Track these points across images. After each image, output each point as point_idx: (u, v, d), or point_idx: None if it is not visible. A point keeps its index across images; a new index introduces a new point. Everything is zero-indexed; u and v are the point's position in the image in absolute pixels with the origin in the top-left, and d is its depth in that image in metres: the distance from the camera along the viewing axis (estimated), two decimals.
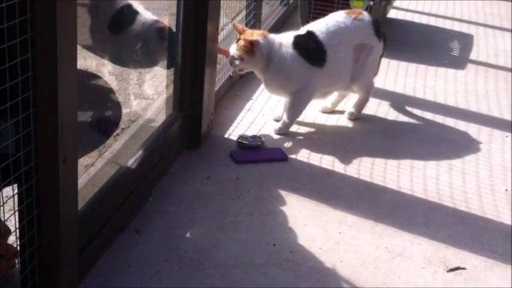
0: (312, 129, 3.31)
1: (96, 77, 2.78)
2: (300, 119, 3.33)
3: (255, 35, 3.17)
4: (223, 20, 3.51)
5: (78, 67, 1.83)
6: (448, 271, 2.39)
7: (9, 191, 1.77)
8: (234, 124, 3.29)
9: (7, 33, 1.57)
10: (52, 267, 1.86)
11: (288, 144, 3.15)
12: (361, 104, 3.46)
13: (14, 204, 1.74)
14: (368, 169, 3.00)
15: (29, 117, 1.69)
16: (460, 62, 4.39)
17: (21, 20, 1.59)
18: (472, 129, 3.46)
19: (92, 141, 2.51)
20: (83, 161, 2.58)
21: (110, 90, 2.79)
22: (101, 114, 2.65)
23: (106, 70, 3.48)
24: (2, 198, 1.67)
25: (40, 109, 1.70)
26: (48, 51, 1.65)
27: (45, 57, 1.65)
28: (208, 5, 2.84)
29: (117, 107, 2.78)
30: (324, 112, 3.48)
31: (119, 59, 3.04)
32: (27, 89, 1.66)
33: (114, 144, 2.83)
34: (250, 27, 3.85)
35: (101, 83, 2.80)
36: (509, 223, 2.69)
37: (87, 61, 3.39)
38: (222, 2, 3.16)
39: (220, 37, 3.38)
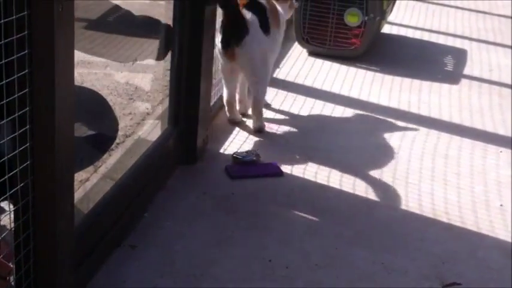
0: (308, 145, 3.31)
1: (91, 91, 2.79)
2: (295, 133, 3.34)
3: None
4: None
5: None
6: (443, 287, 2.38)
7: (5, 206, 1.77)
8: (230, 139, 3.29)
9: (4, 48, 1.57)
10: (48, 283, 1.85)
11: (283, 159, 3.14)
12: None
13: (10, 220, 1.74)
14: (363, 184, 3.00)
15: (25, 133, 1.68)
16: (454, 76, 4.40)
17: (19, 37, 1.59)
18: (467, 144, 3.47)
19: (87, 157, 2.51)
20: (78, 176, 2.57)
21: (106, 105, 2.79)
22: (97, 129, 2.65)
23: (101, 84, 3.48)
24: None
25: (37, 125, 1.69)
26: (46, 67, 1.65)
27: (43, 73, 1.66)
28: (203, 19, 2.84)
29: (113, 121, 2.77)
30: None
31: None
32: (24, 105, 1.66)
33: (109, 159, 2.83)
34: None
35: (97, 97, 2.80)
36: (504, 238, 2.70)
37: (82, 76, 3.40)
38: (217, 15, 3.16)
39: (216, 51, 3.38)
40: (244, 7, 3.22)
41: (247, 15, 3.20)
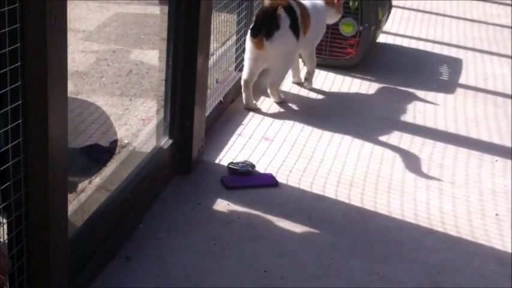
0: (303, 155, 3.31)
1: (89, 104, 2.79)
2: (290, 143, 3.34)
3: None
4: (213, 45, 3.52)
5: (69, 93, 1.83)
6: None
7: None
8: (225, 149, 3.29)
9: None
10: None
11: (278, 170, 3.15)
12: None
13: (2, 233, 1.73)
14: (359, 194, 3.00)
15: (18, 145, 1.68)
16: (449, 86, 4.41)
17: (11, 49, 1.59)
18: (462, 153, 3.47)
19: (85, 170, 2.51)
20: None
21: (105, 117, 2.79)
22: (95, 141, 2.65)
23: (96, 95, 3.49)
24: None
25: (30, 137, 1.69)
26: (39, 79, 1.65)
27: (36, 85, 1.66)
28: (198, 30, 2.85)
29: (111, 134, 2.78)
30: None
31: None
32: (17, 116, 1.66)
33: (104, 171, 2.83)
34: (241, 53, 3.87)
35: (94, 109, 2.81)
36: (500, 248, 2.70)
37: (78, 87, 3.40)
38: (212, 26, 3.17)
39: (211, 62, 3.39)
40: (282, 7, 3.57)
41: (282, 14, 3.58)
